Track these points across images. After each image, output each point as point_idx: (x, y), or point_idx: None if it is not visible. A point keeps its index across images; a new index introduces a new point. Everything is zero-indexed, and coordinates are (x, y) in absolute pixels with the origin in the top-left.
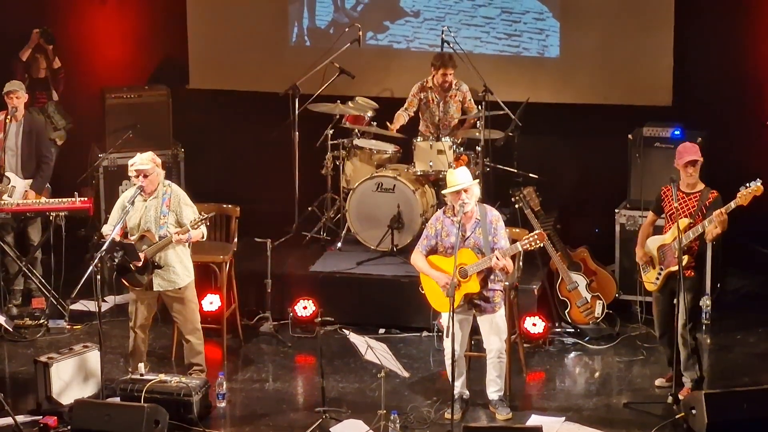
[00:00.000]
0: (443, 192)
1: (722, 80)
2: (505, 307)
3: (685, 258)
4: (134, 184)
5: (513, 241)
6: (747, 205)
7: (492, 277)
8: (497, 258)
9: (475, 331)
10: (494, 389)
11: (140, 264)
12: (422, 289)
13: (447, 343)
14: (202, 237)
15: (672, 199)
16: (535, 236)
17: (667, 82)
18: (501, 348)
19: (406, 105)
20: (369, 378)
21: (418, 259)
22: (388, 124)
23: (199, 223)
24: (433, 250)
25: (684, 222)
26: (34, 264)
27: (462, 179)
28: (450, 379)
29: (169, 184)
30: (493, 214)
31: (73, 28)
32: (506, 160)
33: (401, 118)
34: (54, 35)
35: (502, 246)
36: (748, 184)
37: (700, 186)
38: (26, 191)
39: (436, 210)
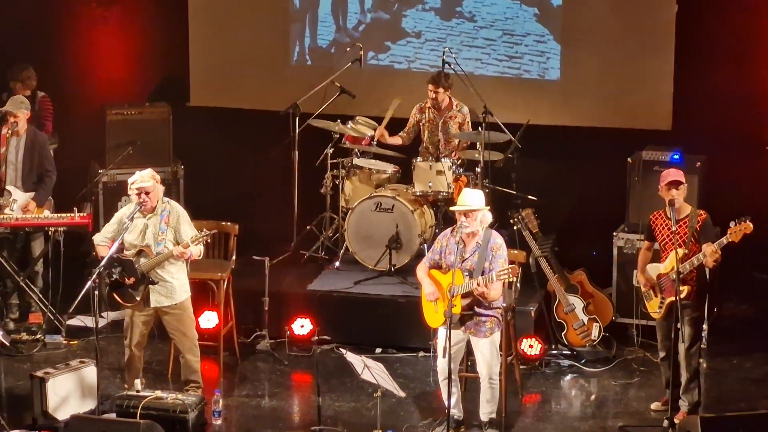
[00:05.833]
0: (450, 208)
1: (722, 105)
2: (501, 333)
3: (685, 288)
4: (133, 202)
5: (511, 263)
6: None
7: (486, 303)
8: (477, 284)
9: (471, 352)
10: (484, 411)
11: (136, 279)
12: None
13: (440, 361)
14: (199, 255)
15: (662, 227)
16: (509, 270)
17: (667, 106)
18: (489, 374)
19: (406, 128)
20: (365, 397)
21: (420, 269)
22: (385, 133)
23: (200, 240)
24: (437, 265)
25: (679, 252)
26: (34, 279)
27: (469, 201)
28: (445, 398)
29: (168, 201)
30: (496, 242)
31: (75, 44)
32: (505, 182)
33: (396, 138)
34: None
35: None
36: (737, 221)
37: (687, 210)
38: (27, 203)
39: (435, 230)
